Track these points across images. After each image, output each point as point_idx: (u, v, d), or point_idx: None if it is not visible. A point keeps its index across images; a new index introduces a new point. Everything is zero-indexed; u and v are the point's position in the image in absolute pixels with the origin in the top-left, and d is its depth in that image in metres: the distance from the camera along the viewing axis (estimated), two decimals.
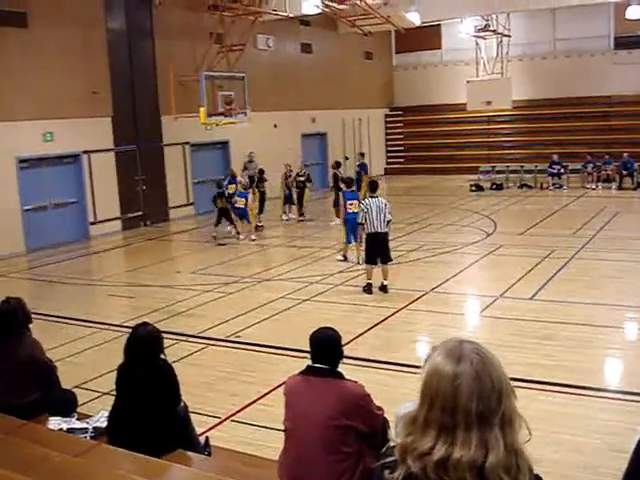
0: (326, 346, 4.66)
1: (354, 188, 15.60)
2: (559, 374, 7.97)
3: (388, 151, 35.46)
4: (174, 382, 5.29)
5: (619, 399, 7.40)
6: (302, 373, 4.67)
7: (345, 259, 14.83)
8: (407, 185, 30.20)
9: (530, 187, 27.07)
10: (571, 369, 8.17)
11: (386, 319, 10.67)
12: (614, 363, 8.85)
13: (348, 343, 8.69)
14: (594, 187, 25.95)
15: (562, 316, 10.31)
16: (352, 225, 13.84)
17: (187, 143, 23.06)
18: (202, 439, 5.72)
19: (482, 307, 11.27)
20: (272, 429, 6.41)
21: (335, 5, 24.38)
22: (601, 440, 6.29)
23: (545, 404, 7.22)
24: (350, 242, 14.59)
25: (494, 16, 28.20)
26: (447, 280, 12.94)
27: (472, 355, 2.02)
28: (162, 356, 5.33)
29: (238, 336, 10.12)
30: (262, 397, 7.74)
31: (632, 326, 10.33)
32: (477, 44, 29.52)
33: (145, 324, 5.49)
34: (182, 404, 5.40)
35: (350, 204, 14.58)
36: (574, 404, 7.25)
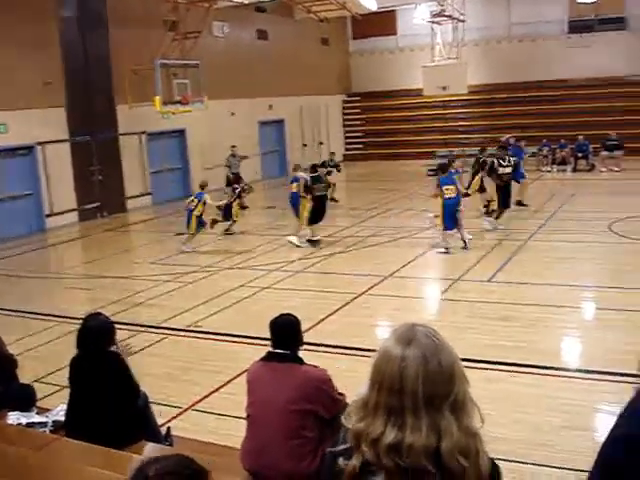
0: (286, 331, 4.67)
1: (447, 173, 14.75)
2: (518, 354, 8.07)
3: (347, 137, 35.47)
4: (126, 373, 5.15)
5: (577, 377, 7.53)
6: (263, 359, 4.67)
7: (447, 250, 13.90)
8: (366, 171, 30.23)
9: None
10: (530, 349, 8.28)
11: (346, 304, 10.70)
12: (572, 343, 8.98)
13: (309, 329, 8.72)
14: (549, 170, 26.28)
15: (520, 297, 10.45)
16: (450, 211, 13.91)
17: (143, 132, 22.76)
18: (164, 430, 5.68)
19: (441, 290, 11.38)
20: (235, 417, 6.39)
21: None
22: (560, 418, 6.39)
23: (505, 384, 7.31)
24: (450, 229, 14.13)
25: (449, 1, 28.32)
26: (406, 264, 13.02)
27: (422, 339, 2.01)
28: (114, 347, 5.18)
29: (198, 325, 10.08)
30: (224, 386, 7.71)
31: (588, 305, 10.49)
32: (432, 29, 29.60)
33: (97, 314, 5.32)
34: (142, 394, 5.33)
35: (446, 189, 14.10)
36: (533, 384, 7.34)
